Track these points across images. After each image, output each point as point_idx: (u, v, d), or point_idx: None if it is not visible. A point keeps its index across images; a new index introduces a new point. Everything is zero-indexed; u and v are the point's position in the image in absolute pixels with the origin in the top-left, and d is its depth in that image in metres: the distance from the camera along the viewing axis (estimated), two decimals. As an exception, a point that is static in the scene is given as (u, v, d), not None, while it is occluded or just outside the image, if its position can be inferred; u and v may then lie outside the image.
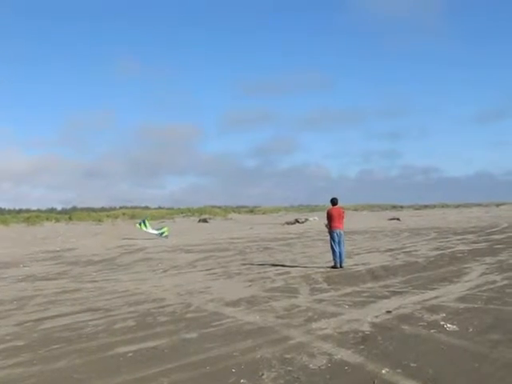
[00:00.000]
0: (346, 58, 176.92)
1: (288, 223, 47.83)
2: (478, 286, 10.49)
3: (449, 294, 9.78)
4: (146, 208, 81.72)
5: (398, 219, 49.37)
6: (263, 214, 78.70)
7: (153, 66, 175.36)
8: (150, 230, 30.61)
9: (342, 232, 14.49)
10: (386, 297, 9.74)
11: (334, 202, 14.70)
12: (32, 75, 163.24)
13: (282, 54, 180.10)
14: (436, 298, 9.45)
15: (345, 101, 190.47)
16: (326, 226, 14.87)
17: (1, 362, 6.33)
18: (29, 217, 58.72)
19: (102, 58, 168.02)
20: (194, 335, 7.32)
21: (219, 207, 79.92)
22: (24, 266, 17.60)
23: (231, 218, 66.62)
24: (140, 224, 30.82)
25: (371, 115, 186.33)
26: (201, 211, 71.30)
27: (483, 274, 12.24)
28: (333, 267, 14.14)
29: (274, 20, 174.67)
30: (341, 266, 14.09)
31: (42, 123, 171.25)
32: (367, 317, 8.06)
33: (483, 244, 20.29)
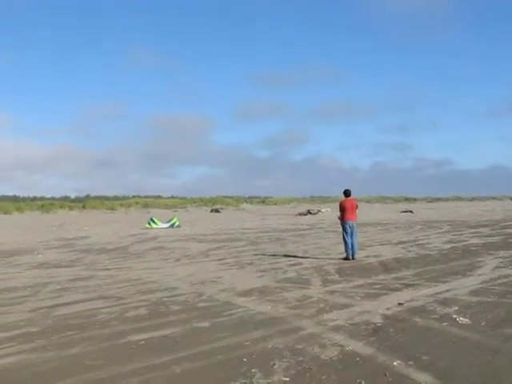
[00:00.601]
0: (356, 51, 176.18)
1: (300, 214, 47.86)
2: (491, 280, 10.42)
3: (461, 287, 9.73)
4: (159, 197, 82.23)
5: (410, 212, 49.24)
6: (275, 204, 78.73)
7: (166, 56, 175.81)
8: (161, 225, 30.90)
9: (354, 224, 14.44)
10: (397, 289, 9.70)
11: (346, 193, 14.65)
12: (45, 64, 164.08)
13: (294, 47, 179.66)
14: (448, 291, 9.40)
15: (356, 94, 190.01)
16: (339, 217, 14.83)
17: (16, 348, 6.40)
18: (43, 204, 59.27)
19: (116, 48, 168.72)
20: (205, 324, 7.35)
21: (231, 197, 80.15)
22: (38, 253, 17.76)
23: (243, 209, 66.77)
24: (149, 223, 31.14)
25: (382, 108, 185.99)
26: (213, 201, 71.56)
27: (496, 267, 12.15)
28: (345, 259, 14.11)
29: (286, 13, 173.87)
30: (353, 258, 14.06)
31: (56, 112, 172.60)
32: (379, 309, 8.04)
33: (497, 238, 20.15)
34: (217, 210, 58.86)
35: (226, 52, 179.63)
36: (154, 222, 31.24)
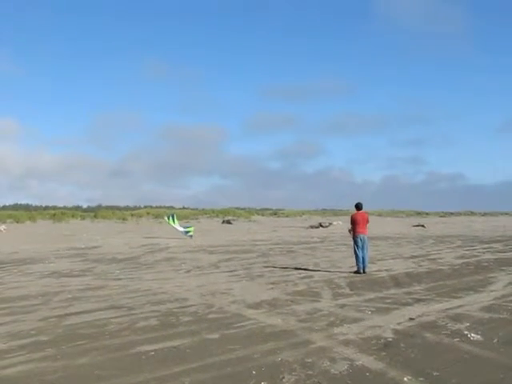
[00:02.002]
0: (369, 64, 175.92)
1: (312, 227, 47.71)
2: (503, 296, 10.33)
3: (473, 303, 9.65)
4: (171, 208, 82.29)
5: (422, 226, 48.88)
6: (287, 216, 78.52)
7: (179, 66, 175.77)
8: (178, 227, 30.81)
9: (365, 237, 14.39)
10: (409, 304, 9.65)
11: (358, 206, 14.62)
12: (58, 73, 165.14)
13: (307, 60, 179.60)
14: (460, 306, 9.33)
15: (368, 107, 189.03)
16: (350, 231, 14.80)
17: (26, 356, 6.44)
18: (55, 214, 59.50)
19: (129, 58, 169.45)
20: (215, 336, 7.35)
21: (243, 209, 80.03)
22: (49, 262, 17.85)
23: (255, 220, 66.61)
24: (169, 218, 31.05)
25: (395, 121, 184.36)
26: (225, 212, 71.45)
27: (509, 283, 12.05)
28: (356, 272, 14.06)
29: (300, 26, 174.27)
30: (364, 272, 14.00)
31: (69, 122, 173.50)
32: (390, 323, 8.00)
33: (509, 253, 19.97)
34: (228, 222, 58.79)
35: (240, 63, 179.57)
36: (173, 219, 30.99)
